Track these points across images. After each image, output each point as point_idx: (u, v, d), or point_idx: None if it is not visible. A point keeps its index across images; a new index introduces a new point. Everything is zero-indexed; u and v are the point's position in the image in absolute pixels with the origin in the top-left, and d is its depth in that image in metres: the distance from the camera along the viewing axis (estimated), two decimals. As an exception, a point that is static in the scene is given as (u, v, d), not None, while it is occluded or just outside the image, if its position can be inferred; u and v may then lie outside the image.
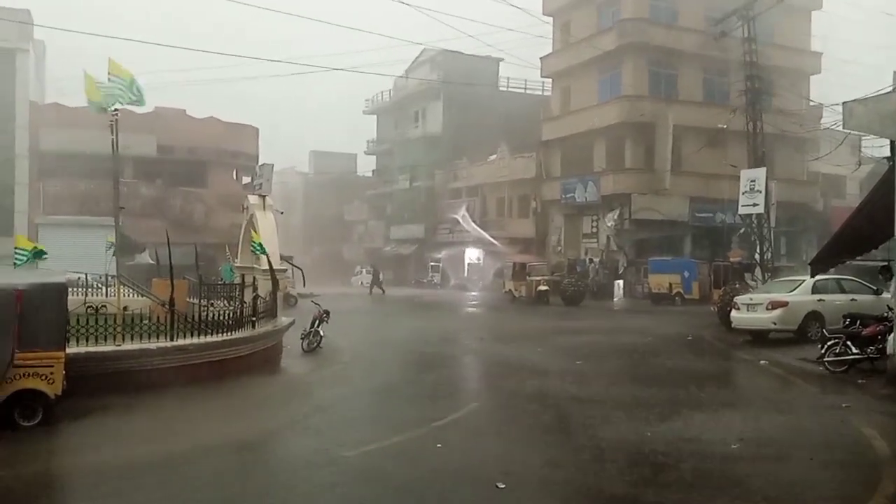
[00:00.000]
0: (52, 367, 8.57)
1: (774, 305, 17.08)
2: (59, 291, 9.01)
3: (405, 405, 10.46)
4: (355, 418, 9.58)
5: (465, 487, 6.70)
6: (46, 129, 34.82)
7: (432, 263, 50.41)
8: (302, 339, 15.84)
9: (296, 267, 20.16)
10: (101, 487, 6.66)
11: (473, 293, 41.44)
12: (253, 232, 15.92)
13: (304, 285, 20.97)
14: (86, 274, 18.77)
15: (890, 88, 12.75)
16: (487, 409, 10.08)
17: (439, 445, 8.06)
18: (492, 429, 8.91)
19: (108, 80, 12.82)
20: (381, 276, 40.39)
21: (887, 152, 13.04)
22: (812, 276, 17.34)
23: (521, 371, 13.54)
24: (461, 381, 12.62)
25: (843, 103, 12.97)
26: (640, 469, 7.20)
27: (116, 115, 13.25)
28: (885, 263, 15.67)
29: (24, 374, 8.41)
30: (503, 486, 6.53)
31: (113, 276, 16.42)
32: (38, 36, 38.57)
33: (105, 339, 10.60)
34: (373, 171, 65.09)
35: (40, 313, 8.56)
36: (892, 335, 11.86)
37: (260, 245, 14.97)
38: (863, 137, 30.60)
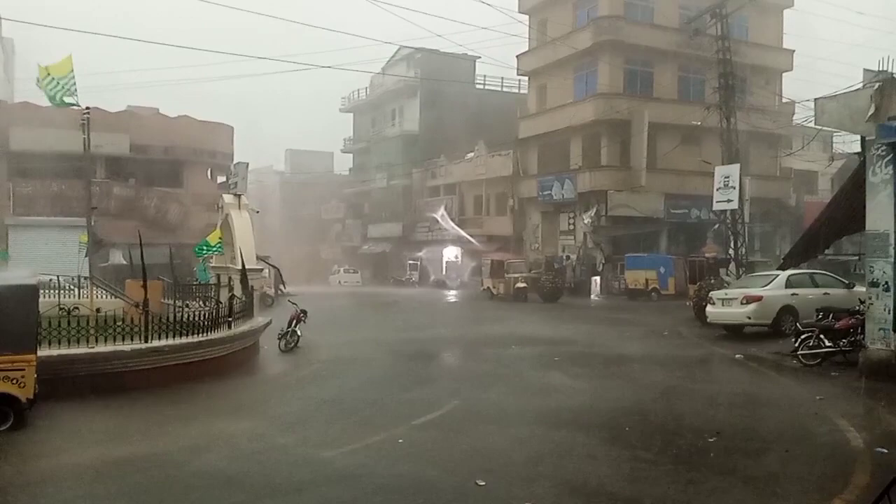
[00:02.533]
0: (23, 370, 8.41)
1: (749, 300, 17.28)
2: (29, 293, 8.85)
3: (385, 404, 10.41)
4: (334, 418, 9.52)
5: (444, 485, 6.68)
6: (16, 129, 34.18)
7: (410, 262, 50.33)
8: (279, 338, 15.73)
9: (272, 266, 20.03)
10: (75, 490, 6.56)
11: (452, 291, 41.45)
12: (213, 231, 15.80)
13: (284, 285, 20.86)
14: (58, 276, 18.50)
15: (860, 85, 12.94)
16: (468, 407, 10.07)
17: (418, 444, 8.05)
18: (472, 426, 8.90)
19: (48, 80, 12.61)
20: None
21: (858, 148, 13.25)
22: (782, 269, 17.60)
23: (501, 368, 13.56)
24: (441, 378, 12.60)
25: (815, 100, 13.17)
26: (619, 463, 7.23)
27: (87, 113, 13.05)
28: (858, 258, 15.93)
29: (-6, 378, 8.25)
30: (483, 483, 6.53)
31: (86, 278, 16.19)
32: (6, 33, 37.94)
33: (78, 342, 10.46)
34: (350, 169, 64.86)
35: (10, 316, 8.40)
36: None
37: (207, 244, 14.84)
38: (834, 134, 31.14)
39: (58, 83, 12.65)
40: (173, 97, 48.02)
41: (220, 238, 15.66)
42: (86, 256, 15.65)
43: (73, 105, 12.73)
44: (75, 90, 12.78)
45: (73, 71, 12.78)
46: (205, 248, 15.93)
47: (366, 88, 59.58)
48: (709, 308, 18.56)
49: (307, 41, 49.89)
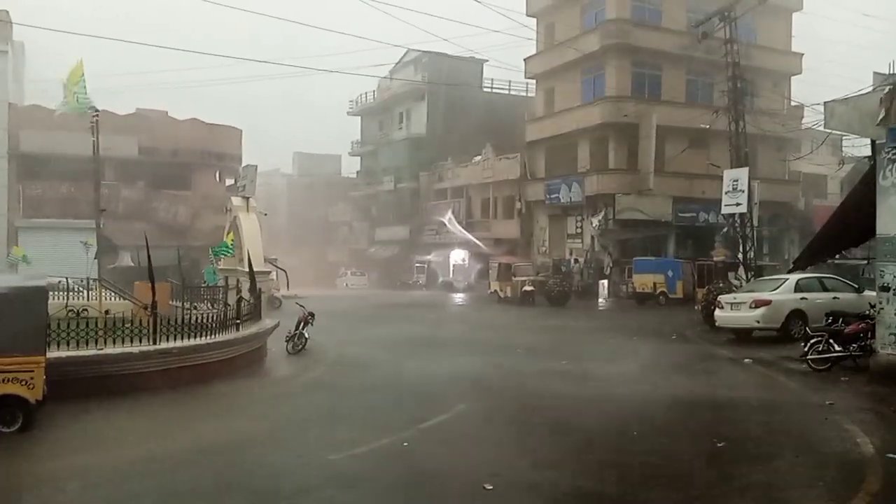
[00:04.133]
0: (32, 371, 8.44)
1: (758, 304, 17.19)
2: (38, 295, 8.88)
3: (391, 407, 10.40)
4: (341, 421, 9.51)
5: (452, 489, 6.67)
6: (26, 131, 34.41)
7: (417, 264, 50.35)
8: (286, 341, 15.74)
9: (280, 269, 20.06)
10: (83, 493, 6.57)
11: (459, 294, 41.43)
12: (227, 234, 15.85)
13: (288, 287, 20.89)
14: (66, 277, 18.58)
15: (870, 88, 12.88)
16: (475, 411, 10.05)
17: (425, 447, 8.03)
18: (479, 430, 8.88)
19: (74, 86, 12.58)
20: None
21: (868, 151, 13.17)
22: (793, 272, 17.49)
23: (508, 372, 13.52)
24: (448, 381, 12.56)
25: (825, 103, 13.12)
26: (626, 468, 7.19)
27: (97, 116, 13.07)
28: (867, 262, 15.83)
29: (3, 380, 8.27)
30: (490, 487, 6.50)
31: (94, 280, 16.26)
32: (17, 37, 38.17)
33: (86, 343, 10.49)
34: (357, 172, 64.94)
35: (20, 317, 8.43)
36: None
37: (225, 245, 14.89)
38: (844, 137, 30.98)
39: (74, 95, 12.66)
40: (181, 100, 48.12)
41: (227, 241, 15.71)
42: (95, 258, 15.71)
43: (90, 109, 12.74)
44: (85, 96, 12.79)
45: (83, 76, 12.80)
46: (223, 249, 15.98)
47: (373, 92, 59.70)
48: (717, 312, 18.47)
49: (315, 44, 50.05)
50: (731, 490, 6.58)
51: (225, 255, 16.34)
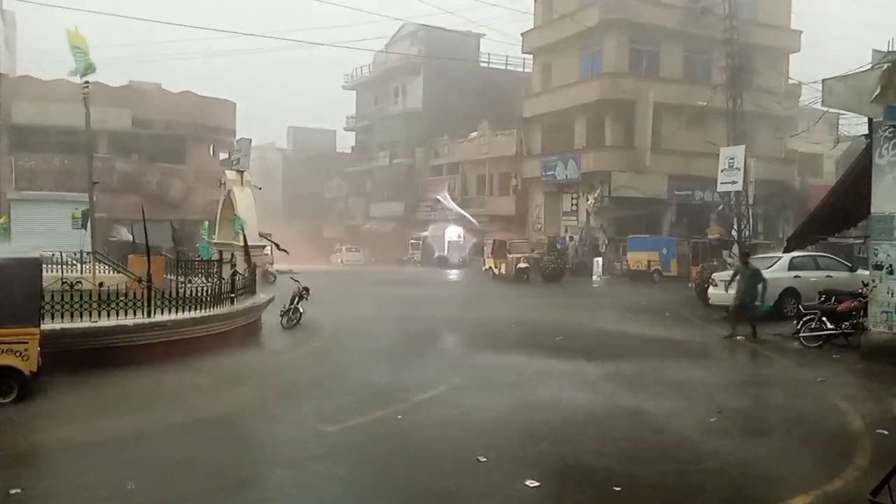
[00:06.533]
0: (26, 343, 8.45)
1: (752, 282, 17.23)
2: (32, 267, 8.87)
3: (386, 380, 10.43)
4: (335, 393, 9.55)
5: (446, 461, 6.71)
6: (18, 103, 34.03)
7: (413, 240, 50.31)
8: (281, 315, 15.76)
9: (273, 243, 19.95)
10: (79, 463, 6.60)
11: (454, 271, 41.47)
12: (234, 209, 15.77)
13: (272, 263, 20.78)
14: (60, 251, 18.48)
15: (869, 66, 12.81)
16: (468, 385, 10.10)
17: (419, 420, 8.08)
18: (472, 404, 8.92)
19: (72, 51, 12.28)
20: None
21: (864, 130, 13.14)
22: (787, 252, 17.56)
23: (502, 346, 13.58)
24: (442, 355, 12.63)
25: (823, 81, 13.05)
26: (619, 442, 7.24)
27: (87, 87, 12.86)
28: (863, 241, 15.88)
29: (-2, 351, 8.28)
30: (484, 459, 6.55)
31: (88, 253, 16.16)
32: (8, 6, 37.64)
33: (81, 316, 10.45)
34: (352, 147, 64.58)
35: (14, 289, 8.42)
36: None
37: (240, 223, 14.83)
38: (840, 116, 30.89)
39: (83, 58, 12.31)
40: (175, 73, 47.64)
41: (236, 214, 15.57)
42: (82, 227, 15.60)
43: (91, 73, 12.37)
44: (90, 60, 12.49)
45: (86, 42, 12.54)
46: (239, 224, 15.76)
47: (369, 65, 59.15)
48: (711, 290, 18.54)
49: (310, 17, 49.49)
50: (723, 464, 6.65)
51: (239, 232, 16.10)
